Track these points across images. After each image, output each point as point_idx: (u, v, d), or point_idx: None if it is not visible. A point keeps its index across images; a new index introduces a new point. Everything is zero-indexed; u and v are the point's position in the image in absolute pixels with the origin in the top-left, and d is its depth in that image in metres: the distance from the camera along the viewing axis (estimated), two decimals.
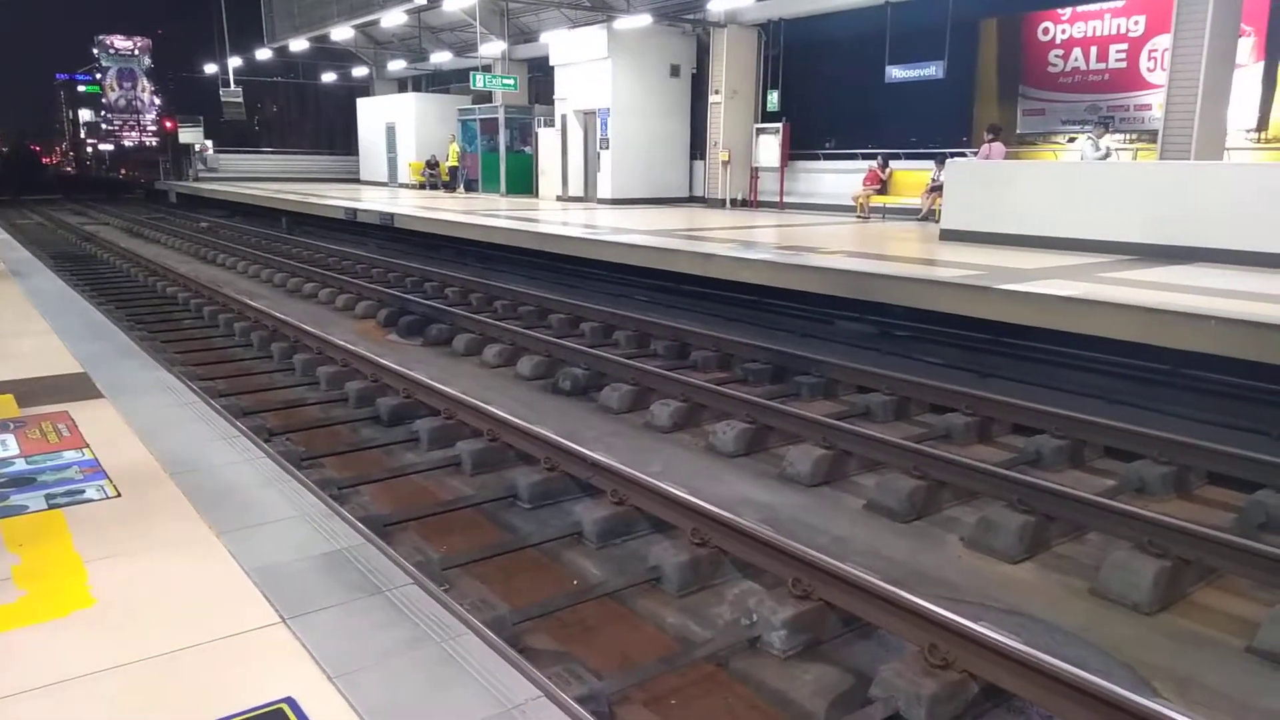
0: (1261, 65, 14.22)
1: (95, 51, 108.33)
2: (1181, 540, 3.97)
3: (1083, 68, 16.54)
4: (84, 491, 3.14)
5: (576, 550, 4.33)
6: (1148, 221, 9.41)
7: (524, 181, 23.28)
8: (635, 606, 3.80)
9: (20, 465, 3.39)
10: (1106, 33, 16.14)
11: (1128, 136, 15.83)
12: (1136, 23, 15.64)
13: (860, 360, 7.68)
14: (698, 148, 20.58)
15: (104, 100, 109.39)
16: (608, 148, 19.90)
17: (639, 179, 20.16)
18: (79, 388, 4.55)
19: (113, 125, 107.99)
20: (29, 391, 4.39)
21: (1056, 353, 7.80)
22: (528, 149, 23.46)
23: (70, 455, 3.51)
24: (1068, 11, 16.63)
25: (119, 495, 3.12)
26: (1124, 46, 15.88)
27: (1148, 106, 15.46)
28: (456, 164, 25.37)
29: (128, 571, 2.57)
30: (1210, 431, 5.76)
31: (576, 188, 21.39)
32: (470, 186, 24.92)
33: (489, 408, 5.83)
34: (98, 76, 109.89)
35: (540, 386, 7.56)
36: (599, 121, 20.07)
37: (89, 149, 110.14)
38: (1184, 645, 3.56)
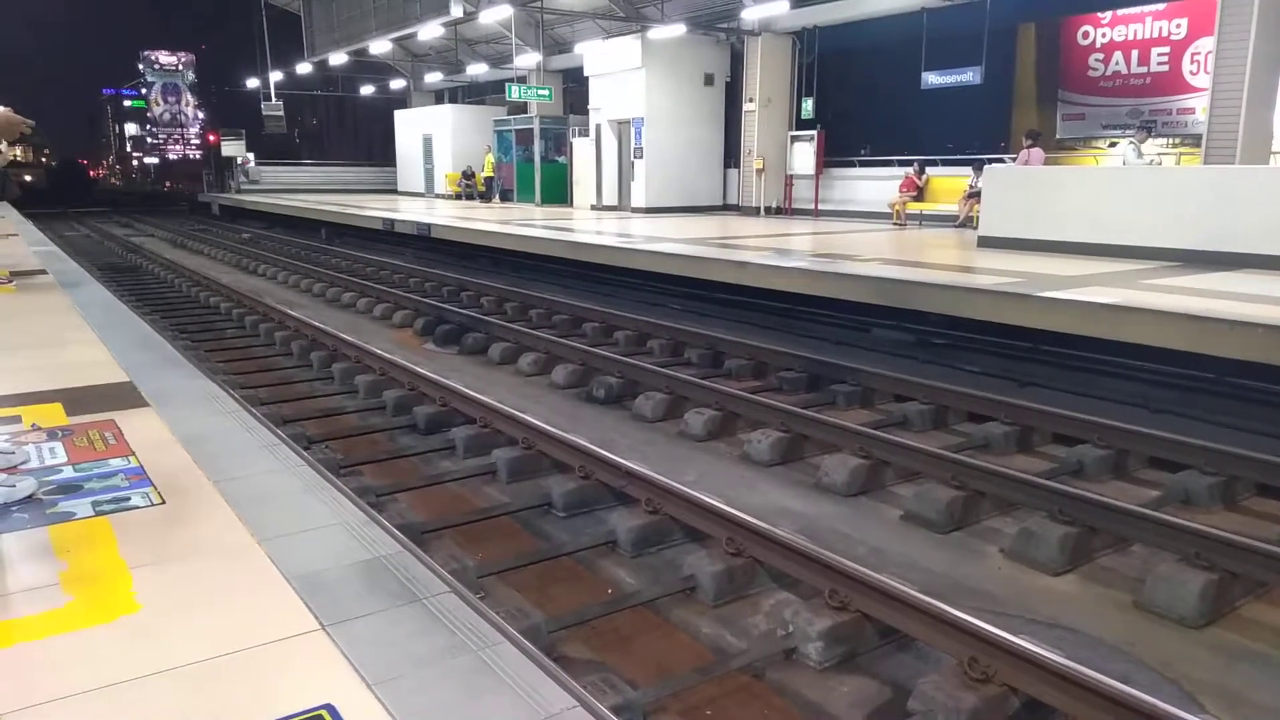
0: None
1: (141, 67, 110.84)
2: (1229, 553, 3.89)
3: (1124, 71, 16.30)
4: (129, 499, 3.20)
5: (611, 559, 4.33)
6: (1192, 227, 9.24)
7: (559, 191, 23.41)
8: (670, 616, 3.79)
9: (68, 473, 3.46)
10: (1148, 36, 15.90)
11: (1170, 141, 15.57)
12: (1179, 25, 15.40)
13: (897, 369, 7.61)
14: (732, 156, 20.58)
15: (149, 114, 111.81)
16: (642, 157, 19.97)
17: (673, 188, 20.19)
18: (125, 396, 4.63)
19: (157, 139, 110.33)
20: (77, 400, 4.49)
21: (1098, 361, 7.67)
22: (562, 159, 23.61)
23: (116, 463, 3.58)
24: (1108, 15, 16.41)
25: (163, 502, 3.17)
26: (1166, 49, 15.63)
27: (1191, 110, 15.20)
28: (492, 174, 25.59)
29: (171, 578, 2.61)
30: (1258, 441, 5.62)
31: (611, 197, 21.48)
32: (505, 196, 25.12)
33: (524, 416, 5.86)
34: (143, 91, 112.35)
35: (575, 395, 7.58)
36: (633, 131, 20.15)
37: (134, 162, 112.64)
38: (1232, 660, 3.48)
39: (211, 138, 46.50)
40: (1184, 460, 5.33)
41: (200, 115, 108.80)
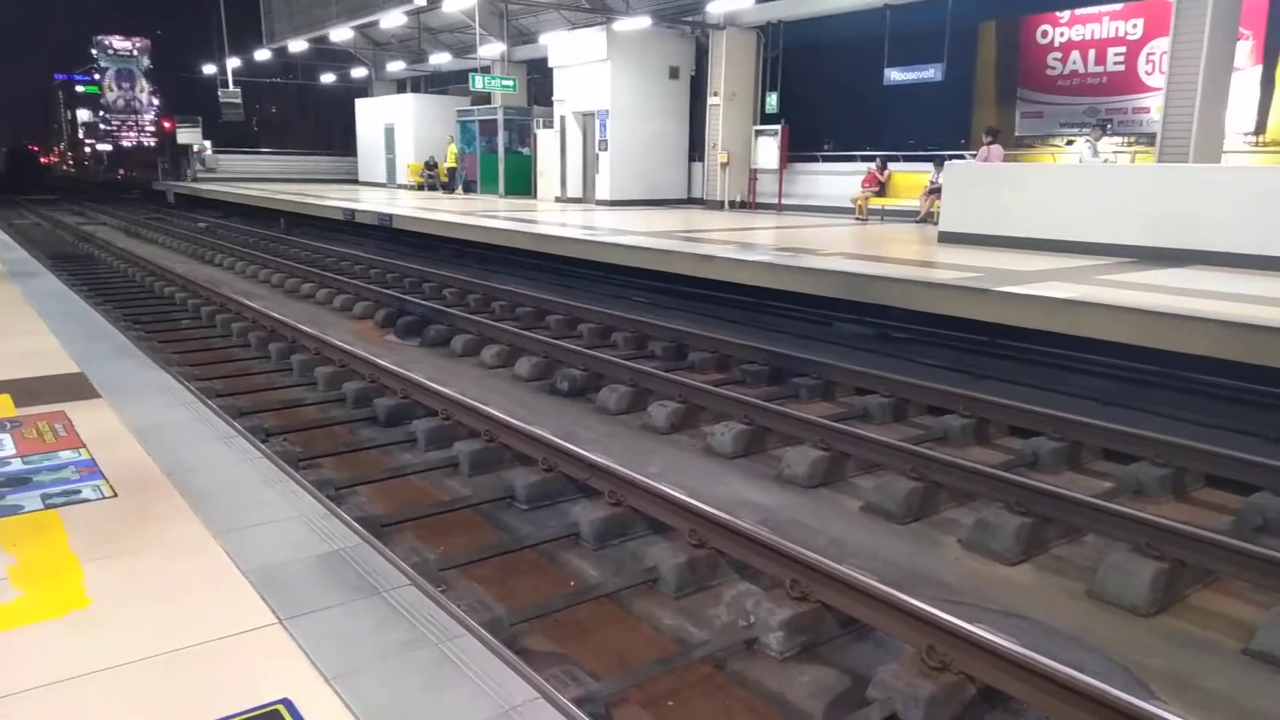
0: (1260, 68, 14.25)
1: (94, 52, 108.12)
2: (1179, 542, 3.98)
3: (1081, 70, 16.56)
4: (80, 492, 3.14)
5: (574, 551, 4.32)
6: (1146, 224, 9.43)
7: (522, 183, 23.28)
8: (633, 608, 3.79)
9: (16, 465, 3.38)
10: (1105, 35, 16.17)
11: (1126, 139, 15.86)
12: (1135, 25, 15.67)
13: (858, 362, 7.68)
14: (696, 149, 20.60)
15: (102, 100, 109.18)
16: (606, 149, 19.91)
17: (637, 180, 20.17)
18: (76, 387, 4.54)
19: (111, 125, 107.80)
20: (26, 391, 4.39)
21: (1054, 355, 7.80)
22: (526, 150, 23.48)
23: (66, 455, 3.50)
24: (1066, 14, 16.65)
25: (115, 495, 3.11)
26: (1122, 49, 15.90)
27: (1146, 109, 15.49)
28: (455, 165, 25.37)
29: (124, 572, 2.56)
30: (1208, 434, 5.76)
31: (575, 189, 21.40)
32: (469, 188, 24.93)
33: (487, 408, 5.82)
34: (96, 77, 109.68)
35: (538, 387, 7.56)
36: (598, 123, 20.08)
37: (87, 149, 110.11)
38: (1181, 648, 3.56)
39: (167, 125, 45.52)
40: (1136, 452, 5.44)
41: (155, 102, 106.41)
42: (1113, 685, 2.78)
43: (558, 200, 21.59)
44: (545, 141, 22.26)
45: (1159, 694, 3.22)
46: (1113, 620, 3.76)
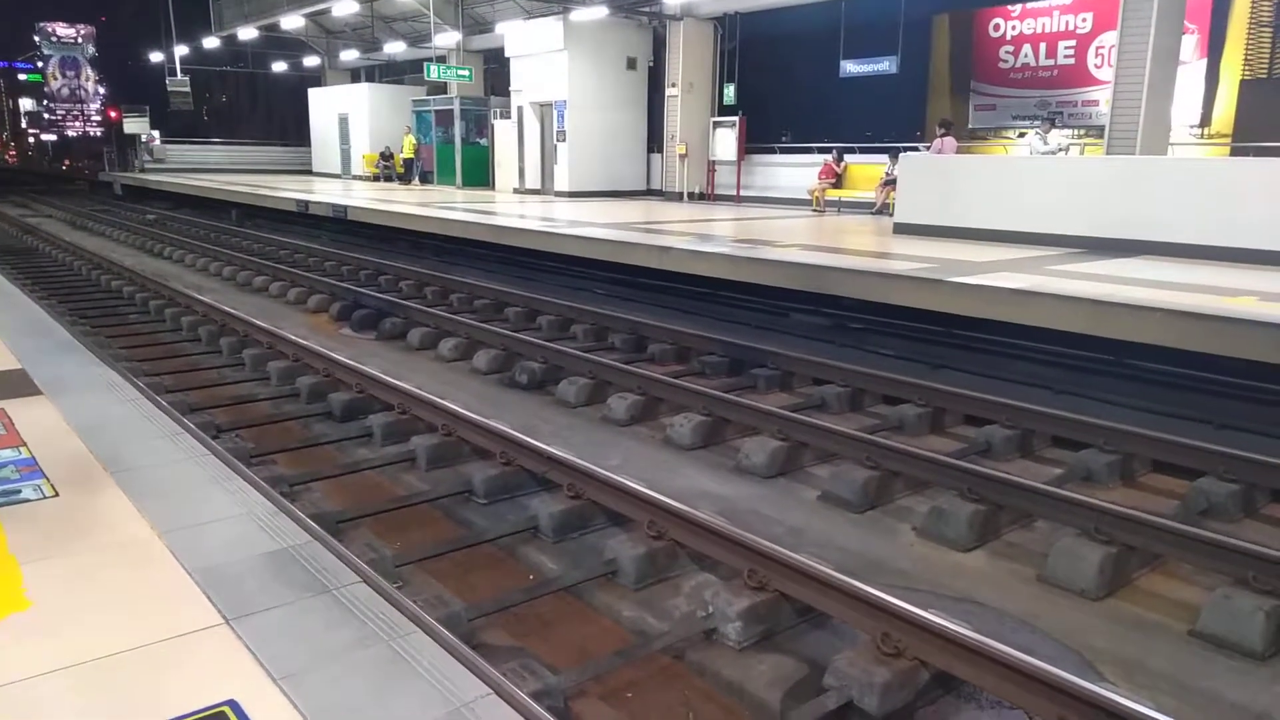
0: (1205, 62, 14.58)
1: (36, 39, 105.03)
2: (1126, 527, 4.06)
3: (1032, 64, 16.81)
4: (20, 491, 3.05)
5: (533, 545, 4.30)
6: (1095, 215, 9.60)
7: (480, 174, 23.08)
8: (592, 600, 3.78)
9: None
10: (1055, 29, 16.43)
11: (1075, 132, 16.14)
12: (1084, 20, 15.94)
13: (815, 353, 7.73)
14: (655, 141, 20.57)
15: (46, 89, 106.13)
16: (564, 140, 19.81)
17: (596, 172, 20.09)
18: (16, 384, 4.41)
19: (55, 115, 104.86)
20: None
21: (1006, 344, 7.91)
22: (483, 141, 23.27)
23: (6, 454, 3.40)
24: (1018, 8, 16.89)
25: (56, 495, 3.03)
26: (1072, 43, 16.17)
27: (1095, 102, 15.77)
28: (411, 156, 25.08)
29: (65, 573, 2.50)
30: (1154, 420, 5.89)
31: (533, 180, 21.27)
32: (425, 178, 24.66)
33: (444, 402, 5.77)
34: (39, 65, 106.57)
35: (497, 380, 7.50)
36: (555, 113, 19.97)
37: (30, 139, 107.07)
38: (1129, 630, 3.64)
39: (113, 114, 44.26)
40: (1085, 439, 5.54)
41: (101, 90, 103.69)
42: (1063, 668, 2.82)
43: (516, 191, 21.45)
44: (503, 132, 22.07)
45: (1108, 676, 3.29)
46: (1063, 604, 3.83)
